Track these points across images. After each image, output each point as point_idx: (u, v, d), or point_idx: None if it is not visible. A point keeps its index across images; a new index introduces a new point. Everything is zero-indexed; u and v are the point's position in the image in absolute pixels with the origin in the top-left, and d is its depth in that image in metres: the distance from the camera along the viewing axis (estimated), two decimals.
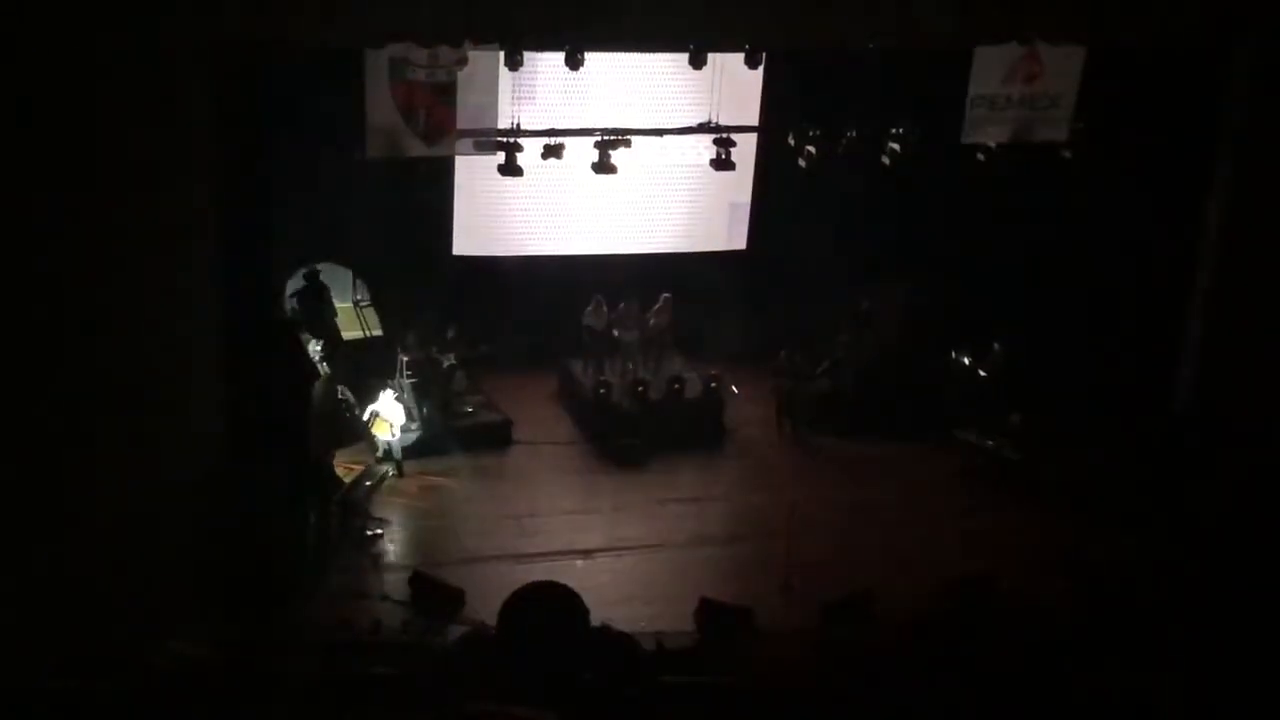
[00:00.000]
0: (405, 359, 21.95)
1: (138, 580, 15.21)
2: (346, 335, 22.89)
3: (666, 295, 23.00)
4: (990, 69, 18.95)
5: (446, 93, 17.16)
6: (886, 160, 20.27)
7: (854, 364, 23.33)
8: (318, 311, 22.04)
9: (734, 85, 21.89)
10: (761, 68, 19.71)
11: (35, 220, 14.47)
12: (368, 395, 21.18)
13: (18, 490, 14.56)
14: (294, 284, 22.15)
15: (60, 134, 14.42)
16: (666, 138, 20.43)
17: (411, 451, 20.79)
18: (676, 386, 22.50)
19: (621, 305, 23.02)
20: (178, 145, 15.26)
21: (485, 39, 16.85)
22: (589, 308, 22.92)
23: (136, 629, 14.65)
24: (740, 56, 19.06)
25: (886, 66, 18.31)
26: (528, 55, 17.57)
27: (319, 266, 22.35)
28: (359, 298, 23.48)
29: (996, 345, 23.49)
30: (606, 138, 19.04)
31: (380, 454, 20.51)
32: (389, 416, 20.41)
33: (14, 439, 14.61)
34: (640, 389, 22.16)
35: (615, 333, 23.03)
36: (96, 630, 14.28)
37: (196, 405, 16.14)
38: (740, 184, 23.88)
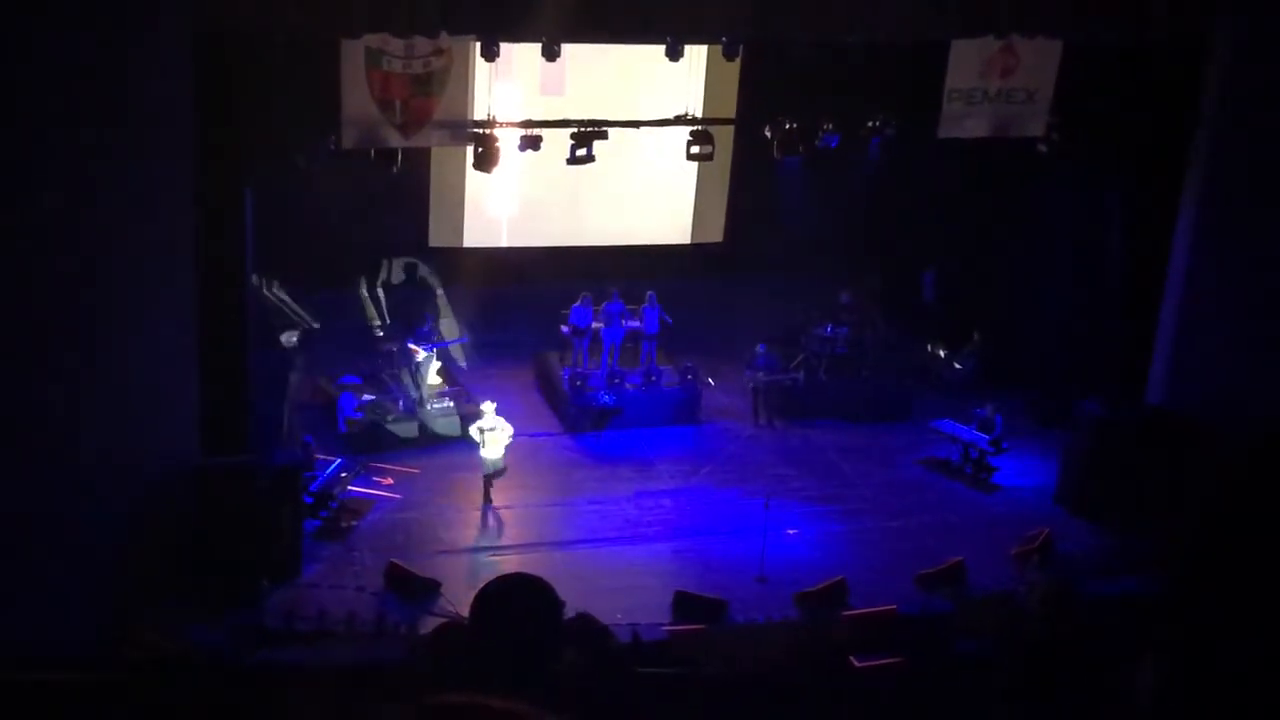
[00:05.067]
0: (382, 351, 21.96)
1: (113, 572, 15.17)
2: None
3: (652, 293, 22.99)
4: (966, 62, 18.95)
5: (423, 84, 17.08)
6: (865, 153, 20.29)
7: (829, 356, 23.37)
8: None
9: (711, 77, 21.92)
10: (739, 60, 19.71)
11: (7, 210, 14.40)
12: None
13: None
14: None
15: (38, 127, 14.35)
16: (643, 129, 20.39)
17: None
18: (652, 379, 22.52)
19: (605, 303, 22.98)
20: (155, 137, 15.19)
21: (461, 30, 16.79)
22: (577, 304, 22.84)
23: (111, 620, 14.63)
24: (718, 49, 19.06)
25: (864, 59, 18.31)
26: (504, 46, 17.51)
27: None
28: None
29: (976, 335, 23.61)
30: (582, 129, 18.98)
31: (488, 471, 19.61)
32: (498, 432, 19.48)
33: None
34: (616, 381, 22.18)
35: (595, 325, 23.01)
36: (71, 621, 14.25)
37: (174, 398, 16.08)
38: (717, 176, 23.90)
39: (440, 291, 23.95)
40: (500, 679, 5.26)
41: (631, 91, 21.48)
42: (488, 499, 19.46)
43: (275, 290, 22.02)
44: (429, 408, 21.45)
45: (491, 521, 19.27)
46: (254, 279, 21.23)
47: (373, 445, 20.68)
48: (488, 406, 19.57)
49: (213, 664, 12.70)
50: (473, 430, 19.55)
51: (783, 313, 23.88)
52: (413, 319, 22.87)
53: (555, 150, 19.01)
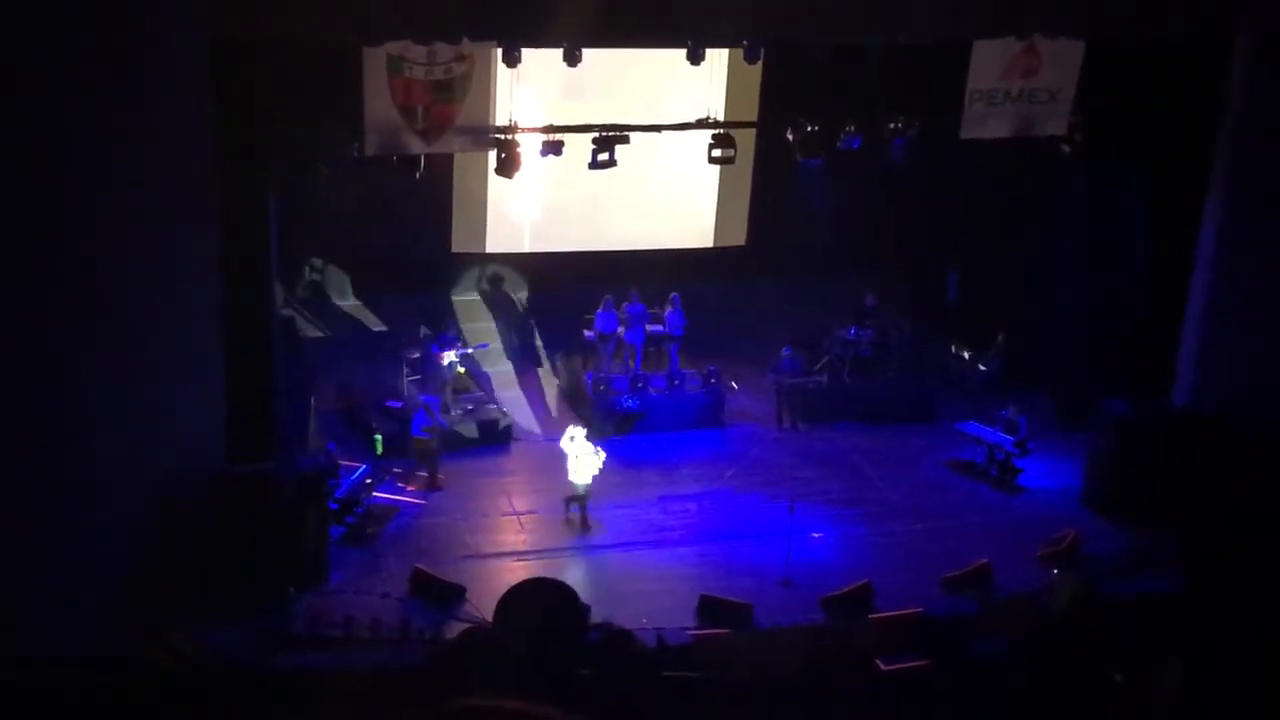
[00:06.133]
0: (406, 357, 21.98)
1: (138, 577, 15.23)
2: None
3: (675, 295, 23.00)
4: (988, 63, 18.90)
5: (445, 90, 17.12)
6: (887, 155, 20.24)
7: (853, 359, 23.33)
8: None
9: (732, 80, 21.90)
10: (760, 63, 19.69)
11: (35, 217, 14.48)
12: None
13: (21, 485, 14.59)
14: None
15: (62, 132, 14.44)
16: (664, 133, 20.38)
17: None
18: (676, 382, 22.51)
19: (626, 305, 22.99)
20: (177, 143, 15.26)
21: (482, 36, 16.82)
22: (599, 309, 22.86)
23: (136, 624, 14.69)
24: (739, 52, 19.05)
25: (885, 61, 18.28)
26: (525, 51, 17.53)
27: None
28: None
29: (1000, 336, 23.52)
30: (604, 134, 18.99)
31: (579, 493, 19.29)
32: (589, 459, 19.13)
33: (19, 435, 14.63)
34: (640, 385, 22.18)
35: (619, 329, 23.03)
36: (96, 624, 14.31)
37: (199, 404, 16.14)
38: (739, 179, 23.87)
39: (521, 295, 24.44)
40: (524, 682, 5.28)
41: (653, 95, 21.47)
42: (584, 524, 19.19)
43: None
44: (453, 413, 21.51)
45: (516, 527, 19.26)
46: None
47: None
48: (577, 432, 19.27)
49: (235, 668, 12.76)
50: (565, 443, 19.22)
51: (806, 315, 23.85)
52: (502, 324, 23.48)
53: (577, 155, 19.01)
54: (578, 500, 19.19)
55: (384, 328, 23.37)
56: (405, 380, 21.83)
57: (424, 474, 20.07)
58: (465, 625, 16.03)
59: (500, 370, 23.51)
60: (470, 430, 21.41)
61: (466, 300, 24.15)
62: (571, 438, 19.24)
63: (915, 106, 19.80)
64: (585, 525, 19.18)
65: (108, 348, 15.07)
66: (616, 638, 14.54)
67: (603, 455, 19.23)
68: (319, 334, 22.87)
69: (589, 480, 19.08)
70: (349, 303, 23.69)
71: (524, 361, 23.91)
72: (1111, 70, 19.05)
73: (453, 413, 21.61)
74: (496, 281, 24.59)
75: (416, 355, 22.13)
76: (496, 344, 23.78)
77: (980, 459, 21.23)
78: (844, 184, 22.85)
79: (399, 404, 21.45)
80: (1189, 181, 19.50)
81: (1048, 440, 21.29)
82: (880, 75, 18.56)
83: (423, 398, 20.79)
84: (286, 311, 20.99)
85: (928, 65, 18.74)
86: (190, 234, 15.72)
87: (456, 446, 20.93)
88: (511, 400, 22.71)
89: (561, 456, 19.55)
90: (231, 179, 15.91)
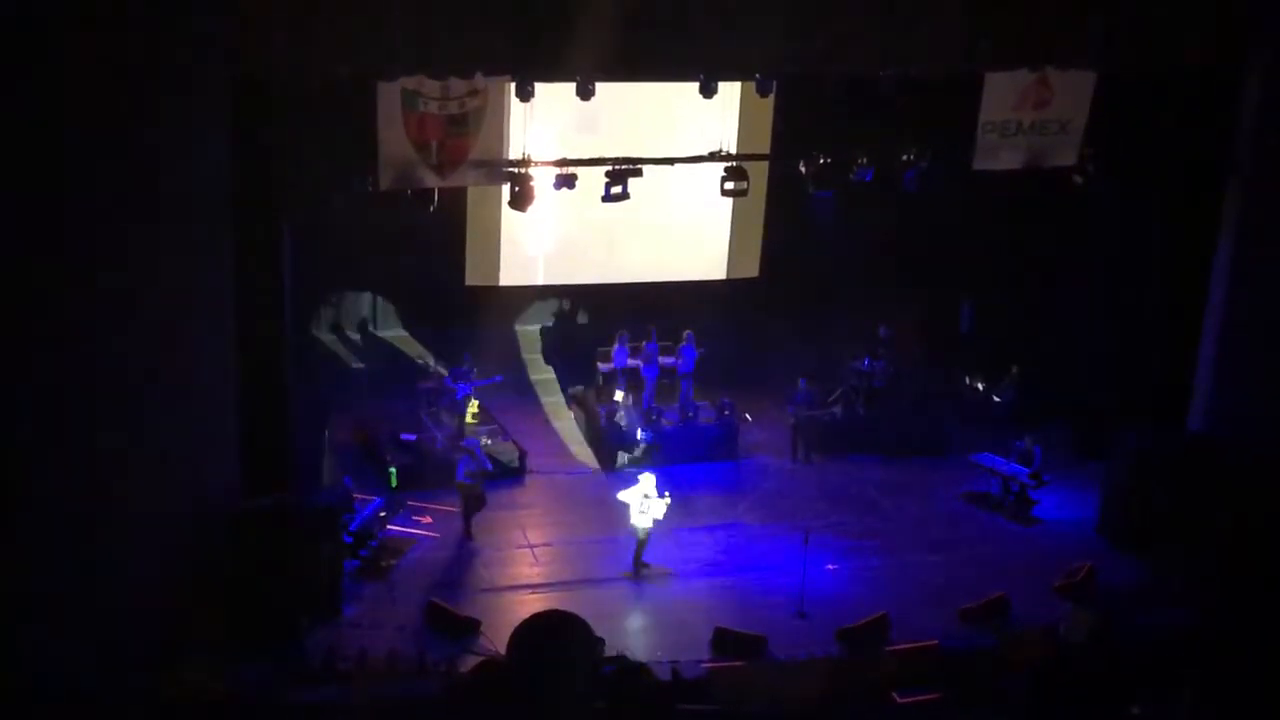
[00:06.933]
0: (422, 389, 22.04)
1: (155, 611, 15.24)
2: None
3: (689, 333, 23.02)
4: (1001, 95, 18.98)
5: (459, 124, 17.22)
6: (900, 186, 20.28)
7: (867, 390, 23.32)
8: None
9: (745, 113, 21.98)
10: (772, 95, 19.76)
11: (48, 249, 14.55)
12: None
13: (35, 520, 14.62)
14: None
15: (76, 166, 14.53)
16: (677, 166, 20.45)
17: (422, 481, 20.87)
18: (690, 415, 22.51)
19: (646, 342, 23.03)
20: (195, 174, 15.35)
21: (496, 71, 16.92)
22: (615, 346, 22.90)
23: (154, 659, 14.69)
24: (751, 84, 19.13)
25: (897, 93, 18.33)
26: (538, 85, 17.62)
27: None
28: None
29: (1014, 368, 23.50)
30: (617, 167, 19.05)
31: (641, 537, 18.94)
32: (656, 504, 18.74)
33: (33, 469, 14.67)
34: (654, 418, 22.18)
35: (632, 362, 23.05)
36: (114, 659, 14.31)
37: (215, 438, 16.19)
38: (752, 212, 23.91)
39: (532, 329, 24.78)
40: (539, 716, 5.28)
41: (665, 128, 21.53)
42: (638, 569, 18.90)
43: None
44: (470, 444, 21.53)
45: (531, 560, 19.25)
46: None
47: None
48: (647, 479, 18.82)
49: (254, 703, 12.75)
50: (629, 495, 18.79)
51: (819, 347, 23.85)
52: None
53: (590, 188, 19.07)
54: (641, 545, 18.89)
55: (399, 360, 23.42)
56: (423, 413, 21.88)
57: (463, 526, 19.73)
58: (480, 658, 16.01)
59: (513, 403, 23.54)
60: (513, 461, 21.50)
61: (481, 334, 24.20)
62: (640, 480, 18.80)
63: (928, 138, 19.84)
64: (637, 569, 18.93)
65: (121, 382, 15.11)
66: (631, 670, 14.49)
67: (667, 501, 18.80)
68: (334, 367, 22.93)
69: (649, 525, 18.81)
70: (364, 336, 23.76)
71: (537, 394, 23.95)
72: (1123, 100, 19.09)
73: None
74: (510, 314, 24.70)
75: (432, 387, 22.18)
76: (513, 376, 23.82)
77: (995, 490, 21.19)
78: (857, 216, 22.87)
79: (413, 437, 21.50)
80: (1202, 209, 19.51)
81: (1063, 471, 21.23)
82: (893, 107, 18.60)
83: (465, 442, 20.57)
84: (301, 345, 21.03)
85: (940, 97, 18.79)
86: (205, 266, 15.80)
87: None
88: (525, 433, 22.71)
89: (574, 488, 19.49)
90: (246, 212, 16.00)
